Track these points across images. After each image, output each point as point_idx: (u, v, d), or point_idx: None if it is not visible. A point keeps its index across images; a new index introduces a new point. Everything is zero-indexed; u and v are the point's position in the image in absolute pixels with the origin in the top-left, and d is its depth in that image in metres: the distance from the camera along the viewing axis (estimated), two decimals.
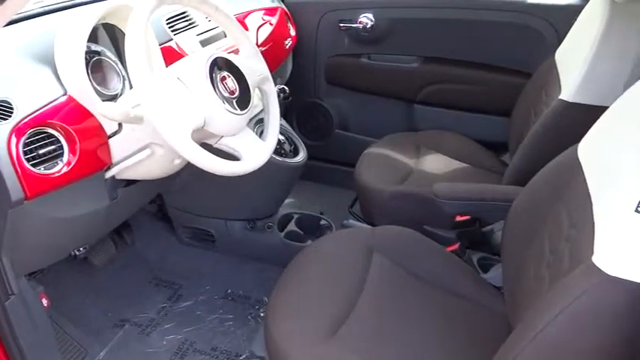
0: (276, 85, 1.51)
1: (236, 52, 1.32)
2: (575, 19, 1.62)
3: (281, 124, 1.68)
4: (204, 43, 1.48)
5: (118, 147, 1.15)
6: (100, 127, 1.13)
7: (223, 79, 1.12)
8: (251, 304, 1.69)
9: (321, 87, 2.32)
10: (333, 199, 2.18)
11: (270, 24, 2.00)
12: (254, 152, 1.18)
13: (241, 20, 1.78)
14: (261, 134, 1.30)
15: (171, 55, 1.35)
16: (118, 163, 1.17)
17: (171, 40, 1.40)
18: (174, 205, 1.74)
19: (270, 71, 1.75)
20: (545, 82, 1.63)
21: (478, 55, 2.04)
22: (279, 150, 1.61)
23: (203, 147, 1.15)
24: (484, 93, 2.06)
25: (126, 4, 1.19)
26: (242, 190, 1.56)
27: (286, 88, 1.48)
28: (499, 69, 2.02)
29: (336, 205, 2.11)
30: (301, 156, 1.66)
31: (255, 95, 1.33)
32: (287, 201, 1.98)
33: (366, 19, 2.11)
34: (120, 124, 1.14)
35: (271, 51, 1.91)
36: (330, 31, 2.21)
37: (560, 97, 1.42)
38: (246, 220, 1.72)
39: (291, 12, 2.20)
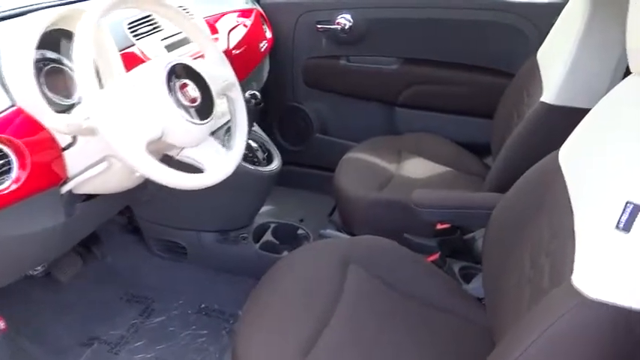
0: (249, 90, 1.45)
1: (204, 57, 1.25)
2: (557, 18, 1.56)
3: (254, 131, 1.62)
4: (169, 48, 1.41)
5: (73, 160, 1.08)
6: (53, 140, 1.05)
7: (183, 86, 1.05)
8: (225, 319, 1.62)
9: (299, 90, 2.26)
10: (313, 205, 2.12)
11: (245, 26, 1.94)
12: (218, 163, 1.11)
13: (212, 23, 1.71)
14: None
15: (133, 62, 1.28)
16: (74, 177, 1.10)
17: (134, 45, 1.33)
18: (144, 217, 1.67)
19: (245, 75, 1.68)
20: (527, 83, 1.59)
21: (460, 56, 1.99)
22: (251, 158, 1.54)
23: (164, 159, 1.09)
24: (466, 94, 2.01)
25: (80, 8, 1.12)
26: (213, 200, 1.50)
27: (257, 93, 1.42)
28: (481, 69, 1.97)
29: (317, 212, 2.05)
30: (275, 164, 1.59)
31: (221, 103, 1.27)
32: (266, 208, 1.92)
33: (344, 19, 2.05)
34: (74, 136, 1.07)
35: (245, 54, 1.85)
36: (307, 33, 2.15)
37: (542, 99, 1.37)
38: (218, 232, 1.65)
39: (267, 13, 2.14)
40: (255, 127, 1.63)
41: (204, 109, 1.08)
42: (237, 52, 1.81)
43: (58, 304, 1.62)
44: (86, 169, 1.10)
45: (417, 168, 1.81)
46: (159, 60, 1.06)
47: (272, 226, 1.79)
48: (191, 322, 1.61)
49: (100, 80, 1.22)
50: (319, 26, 2.09)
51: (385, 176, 1.74)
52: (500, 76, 1.91)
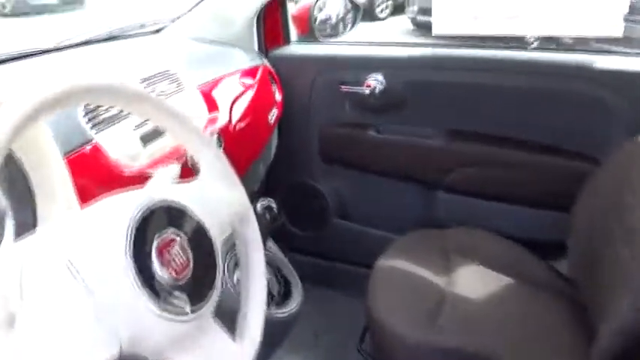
0: (262, 199, 1.00)
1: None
2: None
3: (268, 249, 1.16)
4: (146, 139, 0.96)
5: None
6: None
7: (166, 246, 0.60)
8: None
9: (314, 165, 1.82)
10: (332, 313, 1.68)
11: (251, 88, 1.50)
12: None
13: (208, 93, 1.26)
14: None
15: (90, 168, 0.83)
16: None
17: (91, 141, 0.87)
18: None
19: (254, 158, 1.25)
20: (628, 178, 1.17)
21: (525, 131, 1.57)
22: None
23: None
24: (533, 180, 1.59)
25: None
26: None
27: (273, 204, 0.98)
28: (553, 150, 1.56)
29: (337, 325, 1.61)
30: (295, 302, 1.12)
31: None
32: None
33: (376, 81, 1.62)
34: None
35: (251, 128, 1.41)
36: (327, 94, 1.72)
37: None
38: None
39: (277, 70, 1.70)
40: (270, 243, 1.17)
41: (201, 278, 0.62)
42: (242, 125, 1.36)
43: None
44: None
45: (475, 281, 1.36)
46: (118, 204, 0.60)
47: None
48: None
49: (35, 220, 0.75)
50: (343, 87, 1.67)
51: (434, 298, 1.30)
52: (578, 160, 1.51)
